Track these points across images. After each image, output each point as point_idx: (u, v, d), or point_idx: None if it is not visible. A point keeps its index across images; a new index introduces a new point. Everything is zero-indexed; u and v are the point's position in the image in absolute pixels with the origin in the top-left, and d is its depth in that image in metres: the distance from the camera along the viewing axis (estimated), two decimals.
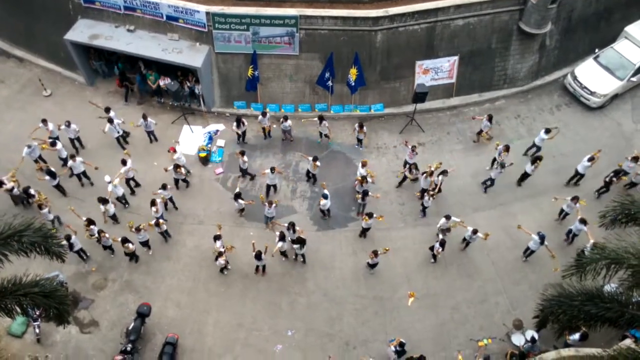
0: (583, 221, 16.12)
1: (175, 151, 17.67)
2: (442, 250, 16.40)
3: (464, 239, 17.02)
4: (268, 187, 18.21)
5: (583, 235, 16.46)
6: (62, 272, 15.73)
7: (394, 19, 18.74)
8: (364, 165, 17.84)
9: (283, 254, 16.89)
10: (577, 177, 18.40)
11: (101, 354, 15.09)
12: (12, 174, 16.80)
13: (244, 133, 19.40)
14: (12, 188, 16.71)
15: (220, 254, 15.81)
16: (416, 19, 18.94)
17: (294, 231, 16.31)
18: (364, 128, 19.03)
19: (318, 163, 17.90)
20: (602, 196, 18.15)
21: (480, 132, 19.83)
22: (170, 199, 17.59)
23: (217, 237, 16.01)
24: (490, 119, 19.20)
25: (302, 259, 16.93)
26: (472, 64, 20.56)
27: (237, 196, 17.01)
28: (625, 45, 20.80)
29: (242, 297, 16.37)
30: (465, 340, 15.67)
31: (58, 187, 17.60)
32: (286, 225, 16.29)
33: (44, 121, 17.89)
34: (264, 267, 16.53)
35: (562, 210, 17.46)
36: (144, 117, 18.60)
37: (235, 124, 18.86)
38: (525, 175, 18.32)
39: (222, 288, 16.51)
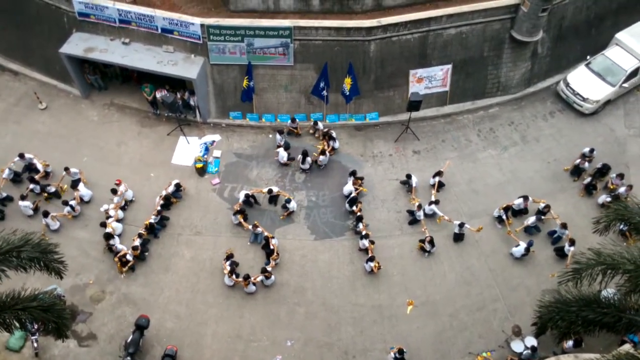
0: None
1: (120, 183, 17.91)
2: (432, 247, 17.08)
3: (455, 234, 17.55)
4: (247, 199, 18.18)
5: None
6: (59, 285, 15.67)
7: (387, 28, 18.90)
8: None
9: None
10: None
11: None
12: None
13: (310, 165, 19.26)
14: None
15: (232, 272, 16.17)
16: (409, 29, 19.11)
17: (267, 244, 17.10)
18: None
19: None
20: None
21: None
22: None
23: (228, 257, 16.41)
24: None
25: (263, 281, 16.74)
26: (465, 72, 20.72)
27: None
28: (617, 52, 21.03)
29: (240, 308, 16.35)
30: (464, 348, 15.72)
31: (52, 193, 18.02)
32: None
33: (21, 155, 18.07)
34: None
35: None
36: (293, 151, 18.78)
37: (300, 157, 18.81)
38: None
39: (221, 299, 16.48)
